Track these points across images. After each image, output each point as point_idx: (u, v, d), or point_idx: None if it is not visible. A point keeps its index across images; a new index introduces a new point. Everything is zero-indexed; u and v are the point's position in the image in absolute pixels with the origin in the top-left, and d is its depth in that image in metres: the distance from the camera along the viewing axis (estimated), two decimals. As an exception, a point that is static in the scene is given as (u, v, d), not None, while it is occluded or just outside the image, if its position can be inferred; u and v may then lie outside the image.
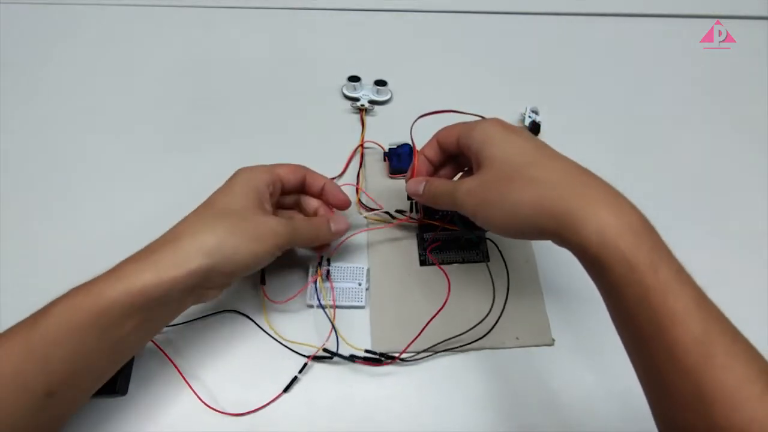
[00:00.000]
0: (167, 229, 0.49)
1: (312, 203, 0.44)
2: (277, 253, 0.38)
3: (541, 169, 0.33)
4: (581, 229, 0.30)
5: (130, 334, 0.33)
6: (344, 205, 0.44)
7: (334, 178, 0.50)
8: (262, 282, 0.43)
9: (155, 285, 0.32)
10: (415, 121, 0.43)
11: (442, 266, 0.45)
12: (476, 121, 0.38)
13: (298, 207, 0.45)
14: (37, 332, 0.31)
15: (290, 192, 0.44)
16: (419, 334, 0.40)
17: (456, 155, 0.41)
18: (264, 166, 0.41)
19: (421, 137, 0.49)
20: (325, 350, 0.40)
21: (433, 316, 0.40)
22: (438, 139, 0.41)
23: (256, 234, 0.36)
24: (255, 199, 0.38)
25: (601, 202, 0.30)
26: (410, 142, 0.50)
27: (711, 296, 0.45)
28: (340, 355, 0.40)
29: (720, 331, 0.28)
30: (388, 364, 0.41)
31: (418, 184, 0.40)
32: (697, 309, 0.28)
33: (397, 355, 0.41)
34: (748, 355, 0.27)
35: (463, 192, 0.36)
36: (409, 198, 0.44)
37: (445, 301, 0.41)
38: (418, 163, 0.41)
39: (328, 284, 0.43)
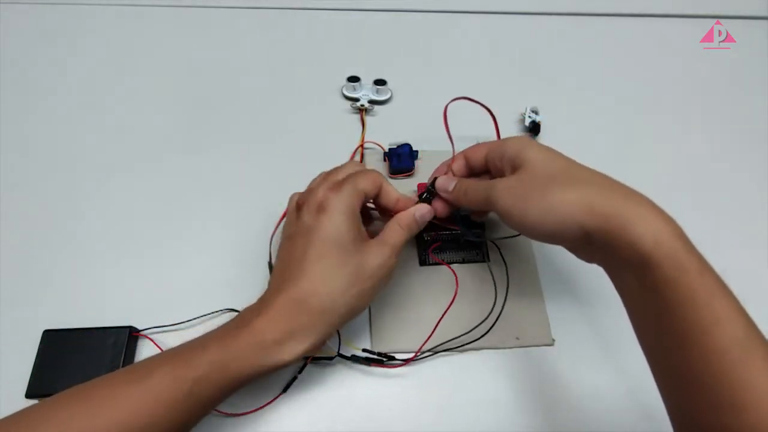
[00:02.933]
0: (166, 229, 0.49)
1: (392, 195, 0.41)
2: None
3: (585, 171, 0.35)
4: (634, 228, 0.30)
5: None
6: (405, 208, 0.41)
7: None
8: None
9: (300, 355, 0.34)
10: (447, 104, 0.43)
11: (443, 265, 0.45)
12: (505, 138, 0.39)
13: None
14: (186, 385, 0.31)
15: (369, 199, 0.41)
16: (430, 336, 0.40)
17: (480, 173, 0.41)
18: (351, 186, 0.37)
19: (421, 137, 0.50)
20: (315, 358, 0.40)
21: (443, 315, 0.40)
22: (466, 155, 0.41)
23: (376, 282, 0.36)
24: (357, 232, 0.36)
25: (650, 207, 0.32)
26: (410, 143, 0.50)
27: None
28: (342, 355, 0.40)
29: (758, 337, 0.28)
30: (391, 366, 0.40)
31: (450, 182, 0.40)
32: (739, 313, 0.29)
33: (396, 355, 0.40)
34: None
35: (501, 189, 0.36)
36: (421, 195, 0.43)
37: (453, 299, 0.41)
38: (453, 165, 0.42)
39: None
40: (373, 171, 0.40)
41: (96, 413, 0.30)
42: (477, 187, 0.38)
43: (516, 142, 0.37)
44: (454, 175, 0.41)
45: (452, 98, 0.43)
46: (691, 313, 0.29)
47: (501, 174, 0.38)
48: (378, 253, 0.36)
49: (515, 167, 0.36)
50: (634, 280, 0.32)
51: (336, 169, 0.41)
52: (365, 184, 0.38)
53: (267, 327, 0.33)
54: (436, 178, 0.41)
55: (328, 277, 0.35)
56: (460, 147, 0.48)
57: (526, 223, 0.35)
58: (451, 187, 0.40)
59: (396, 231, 0.38)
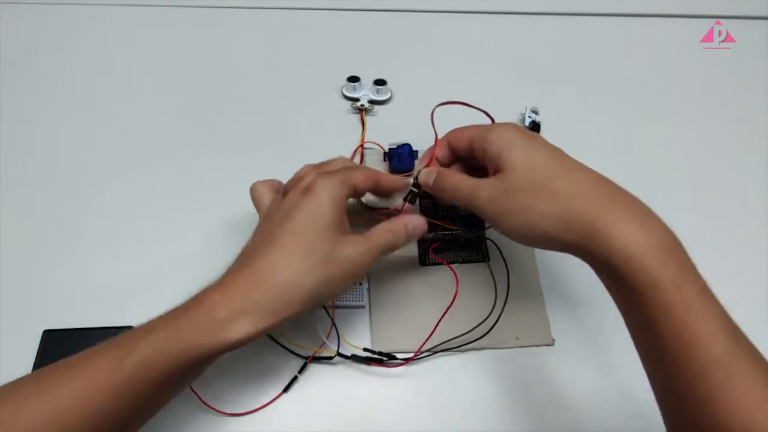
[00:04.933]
0: (167, 229, 0.49)
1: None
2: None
3: (566, 181, 0.33)
4: (607, 243, 0.29)
5: (198, 376, 0.33)
6: (403, 187, 0.41)
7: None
8: None
9: (251, 336, 0.31)
10: (434, 109, 0.42)
11: (443, 265, 0.45)
12: (491, 126, 0.37)
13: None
14: (124, 371, 0.29)
15: (361, 195, 0.41)
16: (430, 336, 0.40)
17: (465, 158, 0.40)
18: (343, 176, 0.37)
19: (421, 137, 0.49)
20: (316, 357, 0.40)
21: (443, 315, 0.40)
22: (449, 140, 0.39)
23: (350, 273, 0.35)
24: (339, 221, 0.35)
25: (628, 217, 0.30)
26: (410, 143, 0.50)
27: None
28: (342, 355, 0.40)
29: (742, 353, 0.27)
30: (391, 366, 0.40)
31: (430, 175, 0.39)
32: (720, 330, 0.27)
33: (396, 354, 0.40)
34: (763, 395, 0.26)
35: (486, 199, 0.35)
36: (409, 193, 0.42)
37: (453, 299, 0.41)
38: (436, 153, 0.40)
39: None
40: (368, 168, 0.40)
41: (45, 397, 0.29)
42: (459, 187, 0.37)
43: (498, 137, 0.35)
44: (439, 163, 0.40)
45: (439, 102, 0.42)
46: (669, 330, 0.28)
47: (484, 166, 0.37)
48: (355, 245, 0.35)
49: (497, 169, 0.35)
50: (615, 294, 0.31)
51: (327, 162, 0.40)
52: (358, 178, 0.37)
53: (219, 302, 0.31)
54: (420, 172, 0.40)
55: (297, 254, 0.33)
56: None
57: (512, 235, 0.35)
58: (431, 181, 0.39)
59: (382, 233, 0.37)
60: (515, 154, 0.34)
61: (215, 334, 0.30)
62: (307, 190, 0.35)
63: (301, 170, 0.39)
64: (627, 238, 0.29)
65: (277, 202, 0.38)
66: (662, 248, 0.29)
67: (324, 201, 0.35)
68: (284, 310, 0.32)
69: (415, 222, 0.39)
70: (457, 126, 0.50)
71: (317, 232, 0.34)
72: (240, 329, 0.31)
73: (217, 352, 0.31)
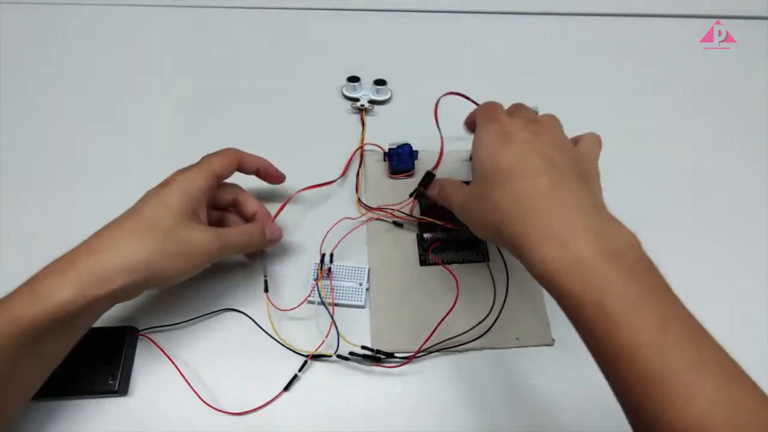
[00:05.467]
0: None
1: (251, 206, 0.43)
2: (206, 266, 0.38)
3: (505, 192, 0.32)
4: (530, 261, 0.30)
5: (54, 346, 0.34)
6: (279, 179, 0.45)
7: (334, 181, 0.50)
8: (266, 290, 0.43)
9: (76, 302, 0.31)
10: (439, 99, 0.44)
11: (445, 266, 0.45)
12: (481, 124, 0.37)
13: (235, 206, 0.44)
14: None
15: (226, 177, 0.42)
16: (430, 336, 0.40)
17: None
18: (201, 167, 0.39)
19: (421, 137, 0.50)
20: (316, 356, 0.40)
21: (443, 318, 0.40)
22: (467, 121, 0.43)
23: (186, 252, 0.36)
24: (189, 209, 0.37)
25: (547, 235, 0.30)
26: (410, 143, 0.50)
27: (710, 296, 0.45)
28: (340, 356, 0.40)
29: (680, 363, 0.26)
30: (391, 366, 0.40)
31: (435, 185, 0.42)
32: (650, 345, 0.26)
33: (396, 354, 0.41)
34: (714, 386, 0.25)
35: (458, 203, 0.38)
36: (416, 190, 0.44)
37: (455, 303, 0.41)
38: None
39: (328, 282, 0.43)
40: (228, 149, 0.42)
41: None
42: (448, 194, 0.40)
43: (476, 140, 0.36)
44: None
45: (444, 93, 0.43)
46: (601, 347, 0.28)
47: None
48: (200, 231, 0.37)
49: (472, 168, 0.37)
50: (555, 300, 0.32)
51: (214, 154, 0.42)
52: (215, 164, 0.40)
53: (46, 274, 0.32)
54: (428, 173, 0.43)
55: (133, 229, 0.35)
56: (453, 145, 0.49)
57: (477, 232, 0.37)
58: (436, 191, 0.42)
59: (238, 230, 0.40)
60: (476, 163, 0.36)
61: (36, 302, 0.31)
62: (165, 183, 0.38)
63: None
64: (543, 257, 0.29)
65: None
66: (581, 265, 0.28)
67: (175, 190, 0.37)
68: (114, 277, 0.33)
69: (274, 229, 0.43)
70: (456, 124, 0.50)
71: (160, 213, 0.36)
72: (61, 295, 0.31)
73: (42, 320, 0.31)
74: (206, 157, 0.41)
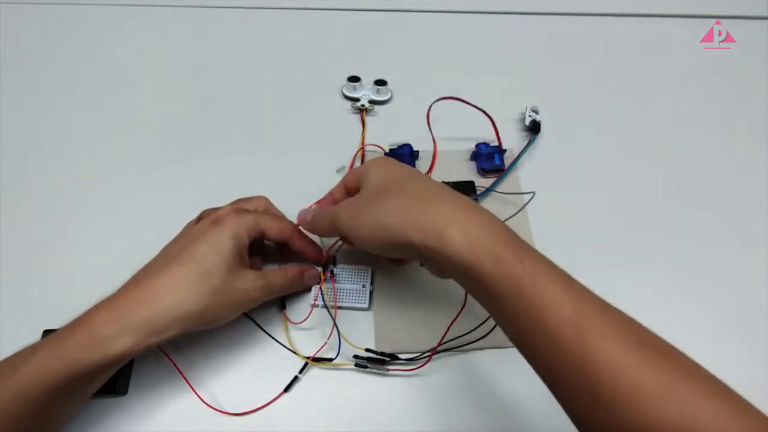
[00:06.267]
0: (166, 229, 0.49)
1: (299, 246, 0.43)
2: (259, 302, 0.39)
3: (411, 183, 0.36)
4: (449, 236, 0.31)
5: (95, 386, 0.34)
6: (320, 261, 0.44)
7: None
8: (283, 307, 0.43)
9: (132, 351, 0.32)
10: (431, 105, 0.45)
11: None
12: (361, 168, 0.39)
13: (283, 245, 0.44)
14: (7, 392, 0.30)
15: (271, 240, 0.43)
16: (443, 338, 0.40)
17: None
18: (252, 217, 0.40)
19: (421, 137, 0.50)
20: (316, 359, 0.40)
21: (454, 320, 0.40)
22: (345, 182, 0.41)
23: (237, 301, 0.37)
24: (239, 255, 0.38)
25: (461, 210, 0.32)
26: (411, 143, 0.50)
27: (710, 295, 0.45)
28: (344, 356, 0.40)
29: (590, 308, 0.28)
30: (394, 368, 0.40)
31: (307, 214, 0.41)
32: (564, 290, 0.29)
33: (399, 355, 0.40)
34: (621, 326, 0.28)
35: (340, 209, 0.37)
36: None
37: (464, 305, 0.40)
38: (336, 191, 0.42)
39: (332, 285, 0.43)
40: (284, 220, 0.42)
41: None
42: (322, 212, 0.39)
43: (366, 164, 0.39)
44: (333, 201, 0.41)
45: (437, 98, 0.43)
46: (522, 304, 0.29)
47: None
48: (249, 279, 0.37)
49: (360, 188, 0.38)
50: (469, 287, 0.33)
51: (247, 199, 0.43)
52: (268, 224, 0.40)
53: (105, 318, 0.32)
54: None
55: (191, 278, 0.35)
56: (454, 146, 0.49)
57: (362, 238, 0.36)
58: (309, 218, 0.41)
59: (279, 274, 0.40)
60: (373, 170, 0.37)
61: (96, 350, 0.31)
62: (216, 222, 0.38)
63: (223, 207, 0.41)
64: (465, 228, 0.31)
65: (188, 226, 0.40)
66: (496, 231, 0.31)
67: (227, 235, 0.37)
68: (169, 329, 0.34)
69: (312, 273, 0.43)
70: (457, 124, 0.51)
71: (215, 262, 0.36)
72: (122, 345, 0.32)
73: (99, 368, 0.32)
74: (263, 213, 0.41)
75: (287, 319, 0.42)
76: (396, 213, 0.33)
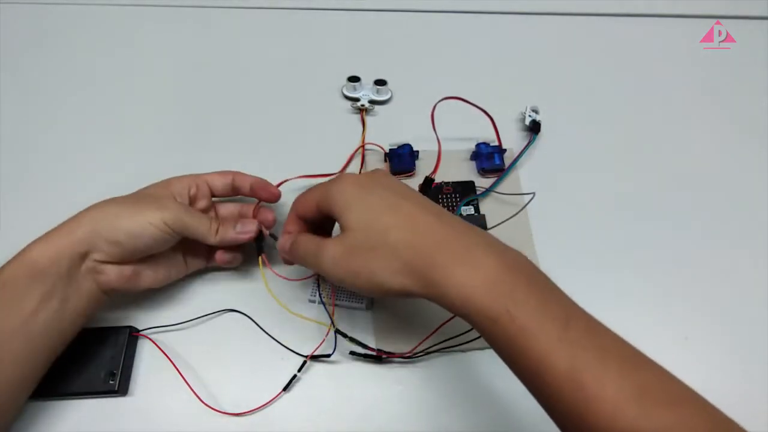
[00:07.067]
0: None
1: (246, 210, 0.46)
2: (167, 231, 0.38)
3: (402, 232, 0.33)
4: (444, 289, 0.31)
5: (37, 313, 0.34)
6: (274, 197, 0.44)
7: (329, 174, 0.49)
8: (260, 251, 0.43)
9: (43, 254, 0.35)
10: (435, 105, 0.44)
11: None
12: (331, 182, 0.37)
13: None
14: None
15: (222, 195, 0.45)
16: (432, 333, 0.40)
17: (320, 222, 0.39)
18: (192, 174, 0.44)
19: (422, 137, 0.50)
20: (315, 357, 0.40)
21: (449, 319, 0.40)
22: (297, 212, 0.39)
23: (143, 206, 0.38)
24: (168, 193, 0.41)
25: (456, 259, 0.31)
26: (411, 143, 0.50)
27: (710, 296, 0.45)
28: (341, 354, 0.40)
29: (586, 358, 0.27)
30: (391, 363, 0.40)
31: (287, 241, 0.38)
32: (558, 343, 0.28)
33: (396, 353, 0.40)
34: (622, 373, 0.27)
35: (329, 260, 0.34)
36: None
37: None
38: (289, 220, 0.40)
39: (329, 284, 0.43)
40: (224, 170, 0.45)
41: None
42: (309, 251, 0.36)
43: (338, 195, 0.35)
44: (286, 232, 0.39)
45: (441, 98, 0.43)
46: (519, 360, 0.29)
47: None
48: (165, 199, 0.40)
49: (341, 228, 0.35)
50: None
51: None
52: (210, 175, 0.44)
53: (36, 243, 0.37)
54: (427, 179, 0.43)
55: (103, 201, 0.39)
56: (454, 146, 0.49)
57: (361, 292, 0.39)
58: (287, 247, 0.38)
59: (196, 212, 0.41)
60: (352, 214, 0.34)
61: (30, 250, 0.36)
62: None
63: None
64: (456, 280, 0.30)
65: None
66: (490, 282, 0.30)
67: (159, 184, 0.42)
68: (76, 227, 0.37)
69: (245, 226, 0.42)
70: (457, 125, 0.51)
71: (150, 192, 0.41)
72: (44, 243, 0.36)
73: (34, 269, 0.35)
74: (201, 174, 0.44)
75: (266, 263, 0.42)
76: (395, 274, 0.32)
